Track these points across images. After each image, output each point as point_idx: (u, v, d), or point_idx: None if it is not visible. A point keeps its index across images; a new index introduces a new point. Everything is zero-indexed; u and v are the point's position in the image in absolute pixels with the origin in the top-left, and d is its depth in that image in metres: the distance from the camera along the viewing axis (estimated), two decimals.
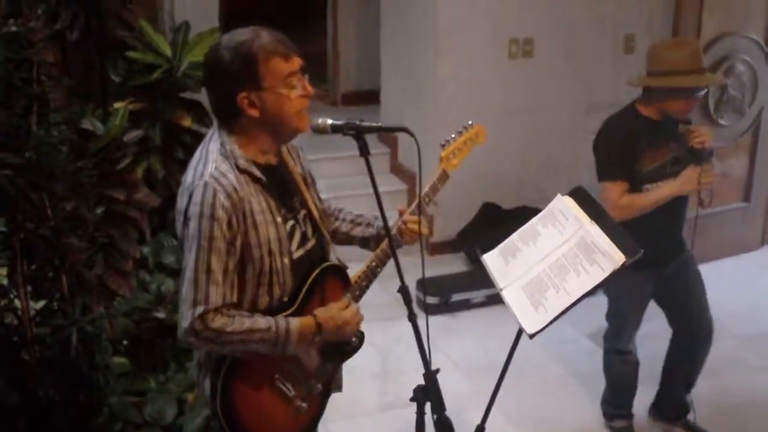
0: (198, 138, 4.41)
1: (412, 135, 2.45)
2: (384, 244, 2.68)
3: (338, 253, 2.78)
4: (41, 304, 3.51)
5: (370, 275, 2.69)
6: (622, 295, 4.02)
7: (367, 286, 2.70)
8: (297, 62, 2.45)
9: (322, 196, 2.86)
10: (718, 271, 6.02)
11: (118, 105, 4.78)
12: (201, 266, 2.35)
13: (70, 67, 5.03)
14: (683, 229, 4.08)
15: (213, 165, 2.39)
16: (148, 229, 4.56)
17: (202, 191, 2.35)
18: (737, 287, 6.01)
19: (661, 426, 4.39)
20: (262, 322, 2.42)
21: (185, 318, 2.36)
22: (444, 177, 2.85)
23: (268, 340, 2.42)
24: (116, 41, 5.20)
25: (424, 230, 2.72)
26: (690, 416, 4.31)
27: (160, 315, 4.28)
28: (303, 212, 2.62)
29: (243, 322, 2.39)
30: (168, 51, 5.22)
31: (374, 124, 2.50)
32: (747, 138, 6.33)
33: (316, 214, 2.65)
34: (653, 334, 4.35)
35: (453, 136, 2.90)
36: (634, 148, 3.84)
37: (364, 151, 2.43)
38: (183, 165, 2.63)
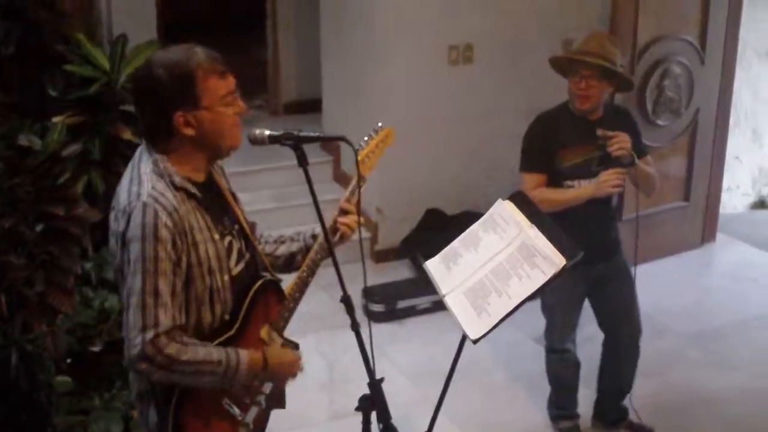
0: None
1: (350, 144, 2.46)
2: (313, 254, 2.66)
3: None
4: None
5: (302, 286, 2.67)
6: (550, 291, 4.04)
7: (300, 297, 2.68)
8: (232, 80, 2.44)
9: (267, 206, 2.85)
10: (659, 269, 6.14)
11: (56, 119, 4.72)
12: (148, 289, 2.30)
13: (6, 82, 4.96)
14: (613, 230, 4.14)
15: (149, 185, 2.35)
16: (90, 245, 4.51)
17: (142, 212, 2.30)
18: (679, 285, 6.11)
19: (606, 429, 4.42)
20: (214, 354, 2.39)
21: (134, 345, 2.30)
22: (361, 181, 2.85)
23: (218, 374, 2.39)
24: (53, 55, 5.13)
25: (354, 225, 2.74)
26: (632, 416, 4.37)
27: (102, 341, 4.20)
28: (236, 227, 2.60)
29: (197, 351, 2.35)
30: (106, 64, 5.15)
31: (312, 134, 2.49)
32: (685, 138, 6.43)
33: (247, 228, 2.65)
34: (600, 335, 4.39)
35: (365, 139, 2.90)
36: (553, 142, 3.94)
37: (303, 162, 2.43)
38: None
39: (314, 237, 2.78)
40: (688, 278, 6.28)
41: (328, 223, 2.68)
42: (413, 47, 6.08)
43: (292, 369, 2.63)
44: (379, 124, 2.97)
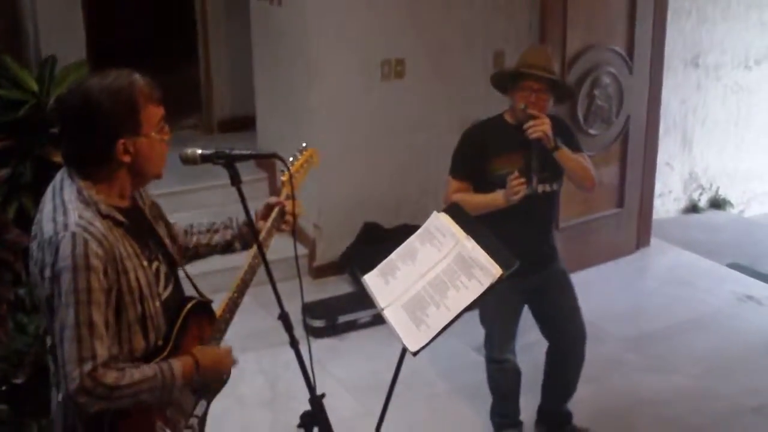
0: None
1: (282, 160, 2.47)
2: (242, 274, 2.65)
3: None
4: None
5: (233, 306, 2.66)
6: (487, 301, 4.06)
7: (231, 318, 2.67)
8: (162, 107, 2.43)
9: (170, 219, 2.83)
10: (597, 275, 6.22)
11: None
12: (83, 321, 2.24)
13: None
14: (549, 240, 4.18)
15: (76, 213, 2.30)
16: (23, 270, 4.43)
17: (71, 242, 2.25)
18: (616, 291, 6.20)
19: None
20: (147, 370, 2.35)
21: (72, 378, 2.24)
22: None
23: (156, 388, 2.36)
24: None
25: (299, 210, 2.78)
26: (575, 421, 4.42)
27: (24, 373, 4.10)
28: (161, 250, 2.58)
29: (132, 373, 2.31)
30: (34, 86, 5.08)
31: (244, 152, 2.49)
32: (617, 146, 6.53)
33: (171, 249, 2.63)
34: (540, 341, 4.42)
35: (290, 159, 2.91)
36: (482, 151, 4.00)
37: (235, 180, 2.43)
38: None
39: (246, 225, 2.74)
40: (624, 283, 6.38)
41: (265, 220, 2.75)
42: (345, 63, 6.09)
43: (226, 362, 2.59)
44: (303, 144, 2.98)
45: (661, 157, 7.21)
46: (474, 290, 2.61)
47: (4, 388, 4.08)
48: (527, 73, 3.93)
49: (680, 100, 7.84)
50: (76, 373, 2.24)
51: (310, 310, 5.34)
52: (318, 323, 5.50)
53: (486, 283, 2.60)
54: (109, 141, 2.33)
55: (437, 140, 6.30)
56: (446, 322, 2.58)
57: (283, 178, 2.79)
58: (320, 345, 5.24)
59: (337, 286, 6.14)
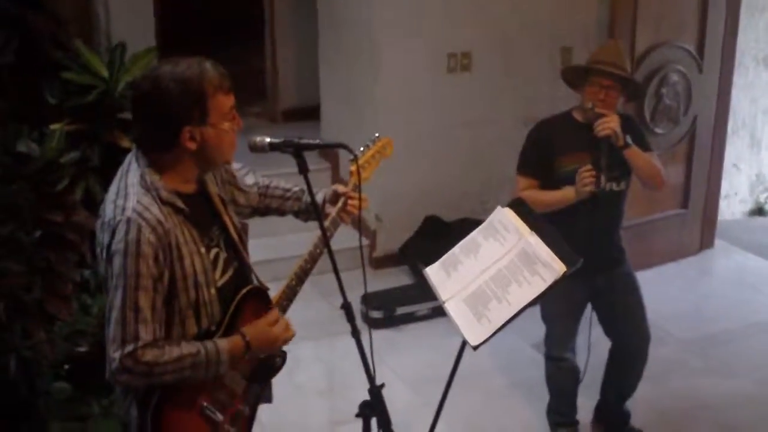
0: None
1: (350, 150, 2.47)
2: (303, 263, 2.68)
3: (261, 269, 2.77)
4: None
5: (291, 294, 2.69)
6: (550, 298, 4.03)
7: (288, 305, 2.70)
8: (233, 96, 2.45)
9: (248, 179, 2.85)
10: (659, 276, 6.15)
11: (54, 126, 4.71)
12: (129, 305, 2.30)
13: (5, 89, 4.95)
14: (616, 240, 4.12)
15: (135, 198, 2.35)
16: (88, 252, 4.50)
17: (126, 227, 2.30)
18: (678, 292, 6.12)
19: None
20: (190, 347, 2.39)
21: (113, 358, 2.31)
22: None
23: (199, 364, 2.39)
24: (51, 62, 5.12)
25: (364, 205, 2.80)
26: (633, 422, 4.37)
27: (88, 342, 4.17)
28: (224, 237, 2.60)
29: (172, 350, 2.35)
30: (104, 72, 5.14)
31: (312, 141, 2.50)
32: (683, 146, 6.44)
33: (235, 236, 2.64)
34: (603, 340, 4.37)
35: (362, 149, 2.91)
36: (550, 148, 3.95)
37: (303, 169, 2.44)
38: None
39: (313, 204, 2.72)
40: (687, 285, 6.30)
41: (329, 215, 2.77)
42: (412, 55, 6.08)
43: (281, 336, 2.58)
44: (377, 135, 2.98)
45: (728, 158, 7.09)
46: (537, 286, 2.59)
47: (67, 367, 4.15)
48: (597, 69, 3.89)
49: (750, 99, 7.68)
50: (117, 354, 2.30)
51: (368, 300, 5.35)
52: (376, 314, 5.51)
53: (549, 280, 2.58)
54: (176, 128, 2.36)
55: (501, 135, 6.28)
56: (508, 317, 2.57)
57: (352, 168, 2.80)
58: (378, 336, 5.16)
59: (397, 278, 6.15)
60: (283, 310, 2.68)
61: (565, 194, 3.88)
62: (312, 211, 2.77)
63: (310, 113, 7.43)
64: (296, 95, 7.92)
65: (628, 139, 3.87)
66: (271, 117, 7.98)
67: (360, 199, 2.78)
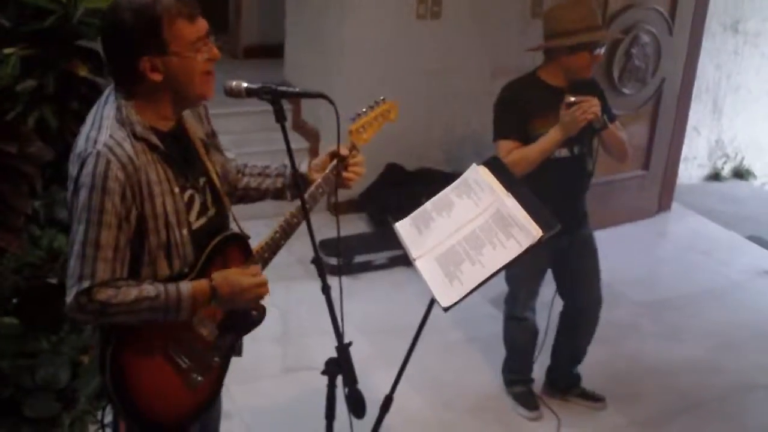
0: (95, 89, 4.20)
1: (331, 102, 2.37)
2: (289, 217, 2.59)
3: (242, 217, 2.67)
4: None
5: (274, 247, 2.60)
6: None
7: (270, 258, 2.61)
8: (203, 25, 2.34)
9: (228, 154, 2.75)
10: (616, 237, 6.16)
11: (8, 51, 4.53)
12: (89, 240, 2.23)
13: None
14: (583, 202, 4.08)
15: (107, 132, 2.26)
16: (39, 183, 4.36)
17: (95, 161, 2.22)
18: (635, 254, 6.15)
19: (557, 396, 4.43)
20: (149, 289, 2.31)
21: (69, 293, 2.26)
22: (353, 150, 2.80)
23: (158, 308, 2.31)
24: None
25: (361, 169, 2.78)
26: (583, 383, 4.39)
27: (52, 279, 4.07)
28: (203, 180, 2.50)
29: (129, 292, 2.28)
30: None
31: (291, 89, 2.42)
32: (648, 107, 6.42)
33: (216, 180, 2.55)
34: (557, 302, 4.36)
35: (364, 110, 2.84)
36: (525, 109, 3.83)
37: (280, 117, 2.34)
38: (78, 116, 2.48)
39: (295, 174, 2.64)
40: (643, 247, 6.34)
41: (322, 173, 2.71)
42: None
43: (253, 291, 2.47)
44: (381, 98, 2.91)
45: (689, 122, 7.08)
46: (512, 250, 2.53)
47: (15, 301, 4.03)
48: (598, 40, 3.74)
49: (715, 65, 7.69)
50: (73, 289, 2.25)
51: (325, 246, 5.26)
52: (332, 261, 5.43)
53: (525, 244, 2.51)
54: (131, 59, 2.27)
55: (467, 86, 6.19)
56: (481, 280, 2.51)
57: (350, 127, 2.71)
58: (333, 284, 5.17)
59: (355, 225, 6.08)
60: (265, 262, 2.58)
61: (550, 136, 3.73)
62: (300, 184, 2.65)
63: (272, 51, 7.27)
64: (259, 32, 7.74)
65: (606, 119, 3.80)
66: (231, 53, 7.80)
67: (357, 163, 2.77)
